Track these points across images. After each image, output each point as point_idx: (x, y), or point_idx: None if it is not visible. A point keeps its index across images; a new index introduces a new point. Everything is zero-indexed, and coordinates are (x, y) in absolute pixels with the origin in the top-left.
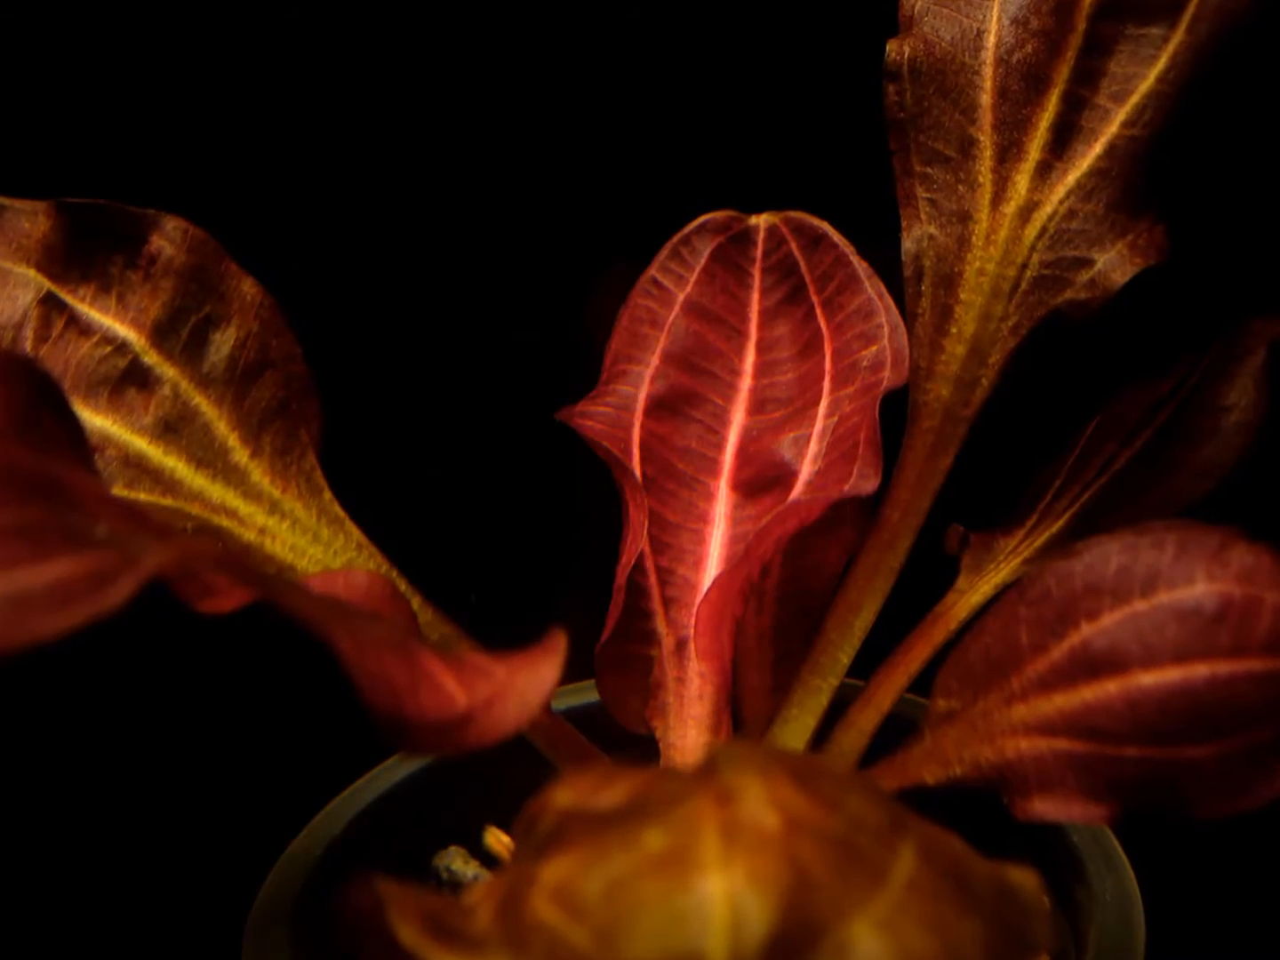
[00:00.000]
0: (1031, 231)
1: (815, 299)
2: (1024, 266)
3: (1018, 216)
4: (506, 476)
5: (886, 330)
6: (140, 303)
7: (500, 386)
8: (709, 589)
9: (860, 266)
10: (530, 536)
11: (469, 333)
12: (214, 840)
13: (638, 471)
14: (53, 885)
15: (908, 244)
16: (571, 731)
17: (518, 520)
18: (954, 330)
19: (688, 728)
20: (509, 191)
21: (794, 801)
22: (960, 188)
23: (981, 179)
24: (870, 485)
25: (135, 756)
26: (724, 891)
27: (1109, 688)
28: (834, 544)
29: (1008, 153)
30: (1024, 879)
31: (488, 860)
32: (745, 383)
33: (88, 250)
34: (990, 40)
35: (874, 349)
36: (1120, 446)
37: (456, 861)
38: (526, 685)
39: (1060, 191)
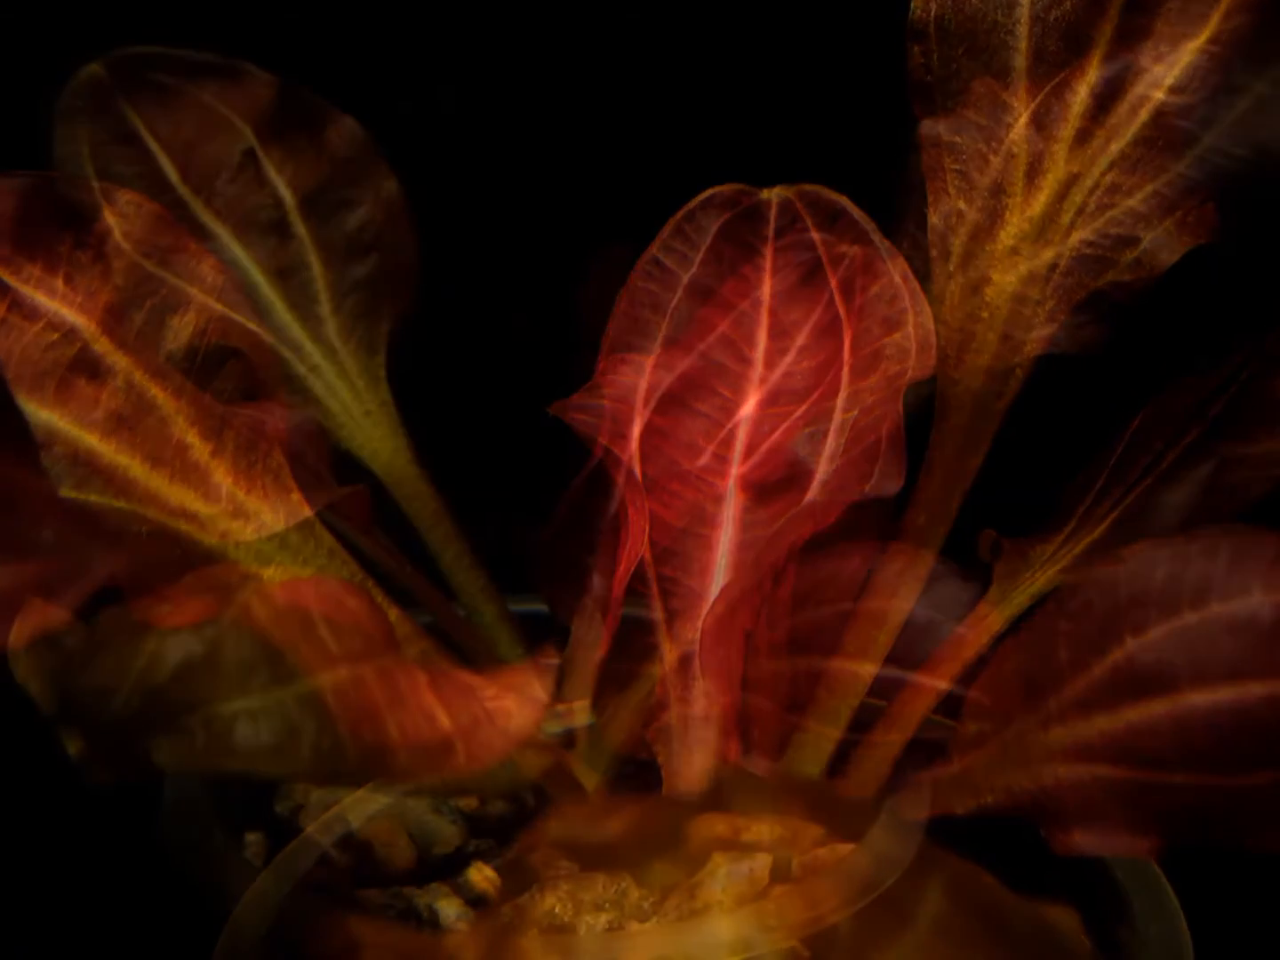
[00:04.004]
0: (1070, 207)
1: (833, 281)
2: (1062, 245)
3: (1055, 190)
4: (494, 476)
5: (911, 315)
6: (90, 285)
7: (487, 377)
8: (715, 600)
9: (882, 245)
10: (519, 541)
11: (453, 317)
12: (176, 870)
13: (638, 471)
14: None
15: (934, 220)
16: (567, 756)
17: (506, 523)
18: (985, 315)
19: (692, 752)
20: (498, 164)
21: (810, 834)
22: (992, 159)
23: (1015, 149)
24: (893, 486)
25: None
26: (734, 934)
27: (1156, 708)
28: (853, 550)
29: (1044, 120)
30: (1062, 919)
31: (474, 898)
32: (756, 373)
33: (32, 227)
34: None
35: (897, 336)
36: (1168, 444)
37: (439, 899)
38: (516, 707)
39: (1102, 163)
